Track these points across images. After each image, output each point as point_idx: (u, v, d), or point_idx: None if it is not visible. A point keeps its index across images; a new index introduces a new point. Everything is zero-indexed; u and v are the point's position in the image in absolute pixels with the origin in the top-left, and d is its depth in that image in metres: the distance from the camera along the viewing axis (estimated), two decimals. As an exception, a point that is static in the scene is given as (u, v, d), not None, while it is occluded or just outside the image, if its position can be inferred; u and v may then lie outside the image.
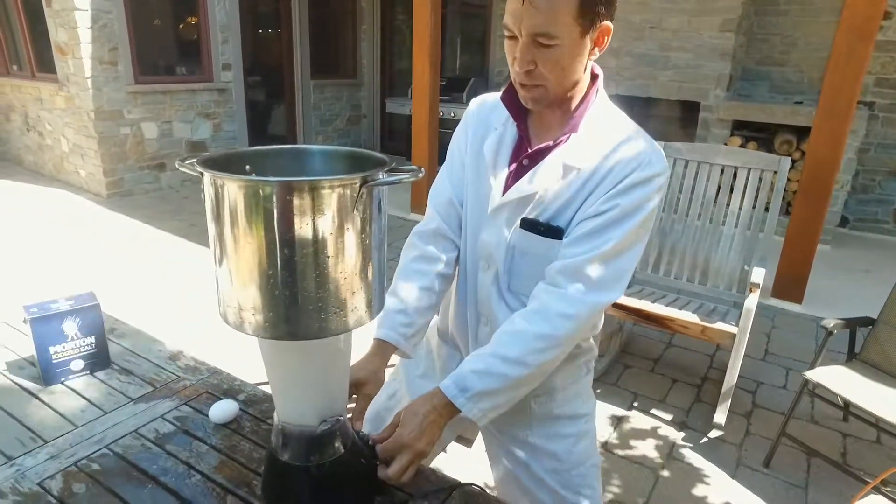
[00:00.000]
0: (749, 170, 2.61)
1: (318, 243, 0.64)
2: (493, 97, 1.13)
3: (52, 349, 1.13)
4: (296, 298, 0.66)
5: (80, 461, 0.93)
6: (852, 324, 2.17)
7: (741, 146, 4.73)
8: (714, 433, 2.36)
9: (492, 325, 1.10)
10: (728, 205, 2.66)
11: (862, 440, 2.38)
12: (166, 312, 3.20)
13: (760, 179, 2.58)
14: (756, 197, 2.59)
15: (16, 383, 1.15)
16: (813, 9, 4.79)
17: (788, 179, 4.14)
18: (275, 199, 0.62)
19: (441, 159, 5.33)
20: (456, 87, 6.35)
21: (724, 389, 2.35)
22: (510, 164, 1.06)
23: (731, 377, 2.31)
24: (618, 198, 0.94)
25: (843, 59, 3.03)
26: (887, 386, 2.04)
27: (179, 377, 1.19)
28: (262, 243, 0.63)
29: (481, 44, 6.86)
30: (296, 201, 0.62)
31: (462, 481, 0.96)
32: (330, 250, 0.65)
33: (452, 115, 6.29)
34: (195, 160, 0.66)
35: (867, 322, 2.20)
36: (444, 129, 5.51)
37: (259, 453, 0.98)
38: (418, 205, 5.15)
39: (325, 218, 0.63)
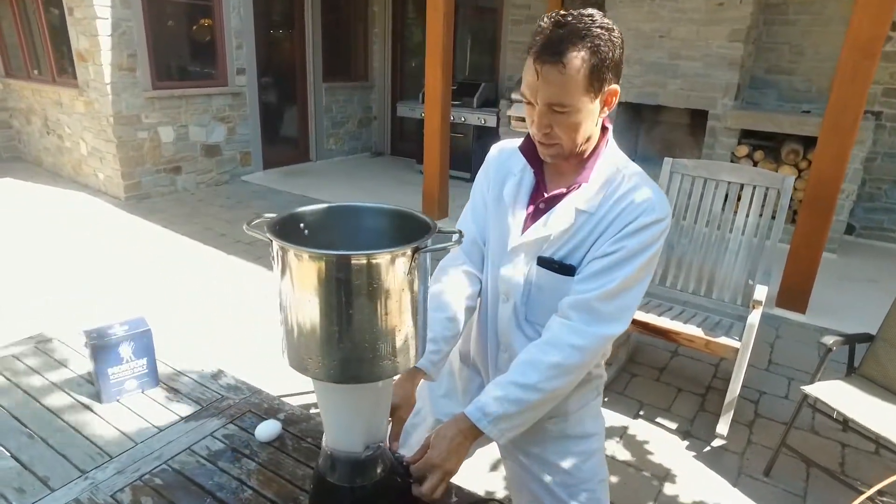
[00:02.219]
0: (754, 187, 2.69)
1: (374, 303, 0.74)
2: (511, 144, 1.24)
3: (110, 371, 1.24)
4: (354, 349, 0.76)
5: (144, 476, 1.04)
6: (851, 340, 2.25)
7: (748, 155, 4.79)
8: (717, 442, 2.46)
9: (510, 353, 1.20)
10: (734, 220, 2.74)
11: (861, 451, 2.46)
12: (189, 318, 3.32)
13: (765, 196, 2.66)
14: (761, 213, 2.67)
15: (77, 400, 1.26)
16: (822, 19, 4.83)
17: (795, 188, 4.21)
18: (336, 267, 0.72)
19: (452, 165, 5.41)
20: (466, 92, 6.44)
21: (727, 401, 2.44)
22: (528, 207, 1.17)
23: (734, 389, 2.40)
24: (625, 240, 1.04)
25: (848, 76, 3.10)
26: (885, 401, 2.13)
27: (223, 396, 1.30)
28: (326, 303, 0.74)
29: (491, 47, 6.93)
30: (355, 269, 0.72)
31: (485, 496, 1.06)
32: (385, 308, 0.75)
33: (463, 119, 6.38)
34: (265, 226, 0.77)
35: (866, 338, 2.29)
36: (454, 134, 5.61)
37: (302, 470, 1.09)
38: (430, 206, 5.25)
39: (381, 282, 0.73)
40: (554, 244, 1.11)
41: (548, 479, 1.26)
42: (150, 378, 1.30)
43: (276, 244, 0.75)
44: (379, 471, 0.93)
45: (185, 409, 1.25)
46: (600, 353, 1.09)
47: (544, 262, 1.13)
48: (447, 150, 5.21)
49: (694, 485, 2.21)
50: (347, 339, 0.75)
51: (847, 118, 3.15)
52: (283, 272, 0.76)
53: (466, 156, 6.55)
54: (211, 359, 1.45)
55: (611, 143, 1.12)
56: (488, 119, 6.37)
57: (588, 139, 1.07)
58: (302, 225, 0.85)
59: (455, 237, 0.80)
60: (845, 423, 2.53)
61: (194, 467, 1.07)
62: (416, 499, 1.00)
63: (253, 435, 1.17)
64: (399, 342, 0.79)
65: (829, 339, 2.20)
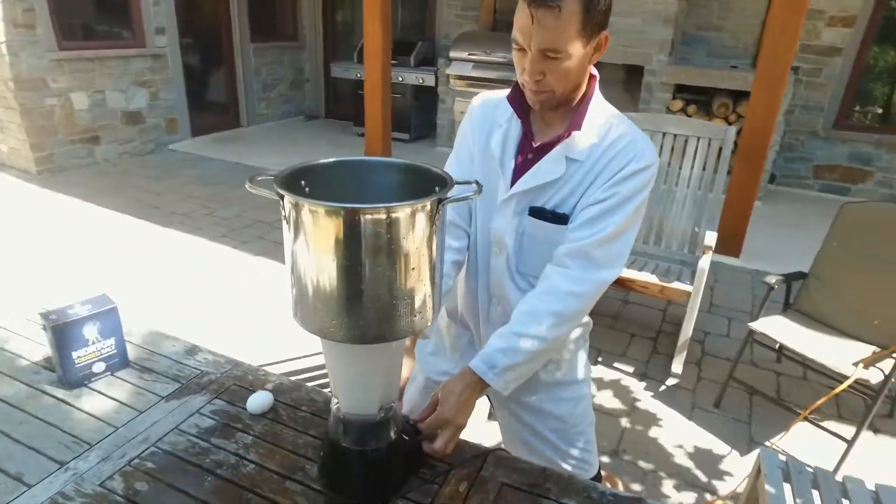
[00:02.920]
0: (698, 139, 2.81)
1: (397, 259, 0.71)
2: (494, 95, 1.21)
3: (74, 354, 1.13)
4: (377, 309, 0.73)
5: (133, 460, 0.98)
6: (788, 278, 2.43)
7: (682, 109, 4.98)
8: (671, 381, 2.62)
9: (504, 305, 1.21)
10: (679, 171, 2.85)
11: (792, 378, 2.70)
12: (141, 295, 3.11)
13: (709, 147, 2.78)
14: (704, 166, 2.79)
15: (38, 389, 1.15)
16: (746, -25, 5.02)
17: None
18: (358, 222, 0.68)
19: (395, 126, 5.30)
20: (402, 51, 6.25)
21: (680, 342, 2.60)
22: (516, 158, 1.15)
23: (687, 331, 2.55)
24: (617, 186, 1.06)
25: (777, 31, 3.25)
26: (817, 332, 2.33)
27: (203, 372, 1.23)
28: (346, 262, 0.70)
29: (424, 5, 6.74)
30: (378, 223, 0.68)
31: (491, 447, 1.07)
32: (408, 264, 0.72)
33: (401, 79, 6.21)
34: (274, 181, 0.71)
35: (800, 276, 2.48)
36: (392, 94, 5.46)
37: (303, 439, 1.05)
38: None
39: (404, 236, 0.70)
40: (545, 194, 1.11)
41: (542, 427, 1.30)
42: (119, 359, 1.21)
43: (287, 200, 0.70)
44: (392, 432, 0.92)
45: (164, 389, 1.17)
46: (597, 298, 1.11)
47: (536, 213, 1.13)
48: (389, 108, 5.08)
49: (653, 421, 2.36)
50: (370, 299, 0.72)
51: (777, 71, 3.32)
52: (296, 231, 0.72)
53: (405, 117, 6.41)
54: (179, 334, 1.36)
55: (598, 91, 1.11)
56: (427, 78, 6.24)
57: (578, 86, 1.06)
58: (303, 182, 0.80)
59: (473, 187, 0.78)
60: (780, 355, 2.76)
61: (187, 447, 1.02)
62: (425, 456, 1.00)
63: (243, 408, 1.12)
64: (419, 299, 0.76)
65: (771, 279, 2.36)
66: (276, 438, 1.05)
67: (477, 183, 0.80)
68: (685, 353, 2.61)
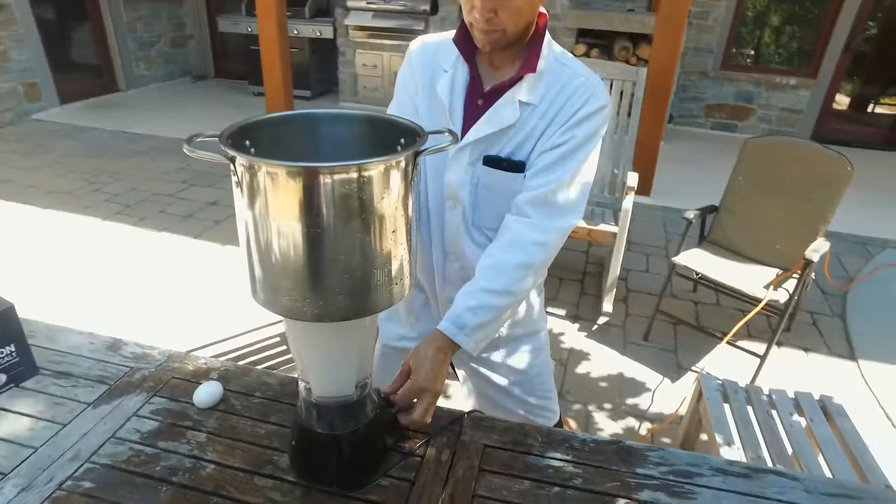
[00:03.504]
0: (612, 80, 2.85)
1: (371, 224, 0.62)
2: (435, 38, 1.12)
3: (-34, 368, 0.95)
4: (350, 281, 0.64)
5: (65, 483, 0.84)
6: (703, 212, 2.58)
7: (585, 53, 5.06)
8: (602, 319, 2.73)
9: (461, 262, 1.15)
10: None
11: (707, 305, 2.92)
12: (37, 288, 2.73)
13: (622, 89, 2.84)
14: (618, 107, 2.86)
15: (-78, 414, 0.96)
16: (639, -83, 5.09)
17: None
18: (326, 183, 0.58)
19: (294, 83, 4.95)
20: (295, 1, 5.81)
21: (608, 281, 2.70)
22: (465, 104, 1.08)
23: (615, 269, 2.65)
24: (573, 130, 1.02)
25: (677, -28, 3.33)
26: (730, 260, 2.51)
27: (132, 368, 1.08)
28: (313, 230, 0.60)
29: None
30: (347, 184, 0.59)
31: (465, 410, 1.04)
32: (382, 228, 0.64)
33: (296, 32, 5.80)
34: (220, 142, 0.59)
35: (713, 209, 2.64)
36: (290, 49, 5.08)
37: (263, 429, 0.96)
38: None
39: (379, 197, 0.61)
40: (499, 141, 1.05)
41: (505, 382, 1.28)
42: (24, 367, 1.03)
43: (240, 163, 0.58)
44: (368, 409, 0.85)
45: (89, 394, 1.02)
46: (561, 246, 1.09)
47: (491, 161, 1.07)
48: (289, 64, 4.74)
49: (590, 360, 2.46)
50: (344, 270, 0.63)
51: (677, 12, 3.43)
52: (252, 198, 0.61)
53: (305, 72, 6.03)
54: (93, 329, 1.19)
55: (547, 32, 1.05)
56: (324, 30, 5.87)
57: (529, 25, 1.00)
58: (248, 143, 0.68)
59: (448, 137, 0.70)
60: (695, 284, 2.96)
61: (130, 456, 0.89)
62: (401, 429, 0.95)
63: (189, 403, 1.00)
64: (397, 266, 0.69)
65: (689, 214, 2.49)
66: (233, 432, 0.95)
67: (450, 132, 0.72)
68: (614, 291, 2.73)
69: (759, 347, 2.39)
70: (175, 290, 2.78)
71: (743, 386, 1.67)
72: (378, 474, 0.87)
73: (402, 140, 0.71)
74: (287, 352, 2.34)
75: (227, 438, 0.94)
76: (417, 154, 0.64)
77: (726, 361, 2.46)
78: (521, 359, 1.28)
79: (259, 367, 1.22)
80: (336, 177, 0.59)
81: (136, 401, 1.00)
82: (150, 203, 3.70)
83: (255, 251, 0.64)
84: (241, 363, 1.14)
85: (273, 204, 0.60)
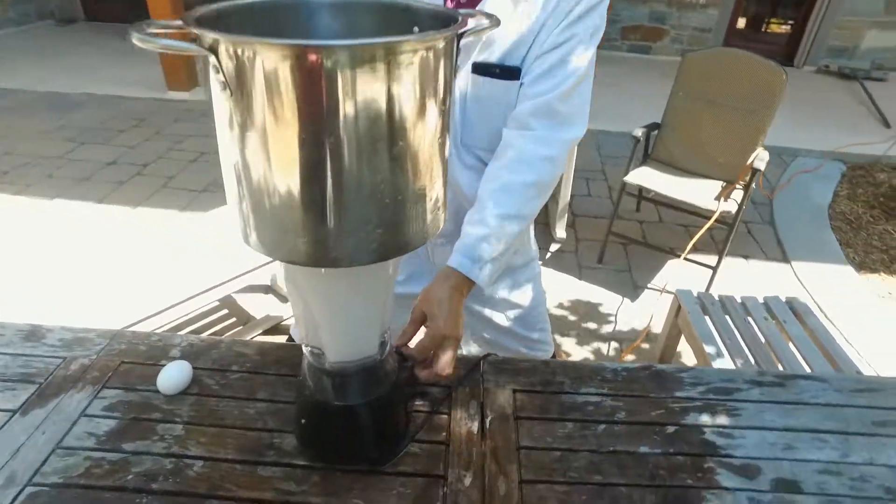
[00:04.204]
0: None
1: (410, 129, 0.46)
2: None
3: None
4: (377, 211, 0.48)
5: (5, 514, 0.64)
6: (648, 129, 2.56)
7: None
8: (555, 246, 2.70)
9: (451, 189, 1.01)
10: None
11: (651, 223, 2.97)
12: None
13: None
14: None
15: None
16: None
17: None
18: (345, 70, 0.41)
19: (187, 6, 4.34)
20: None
21: (560, 207, 2.65)
22: (445, 4, 0.91)
23: (566, 195, 2.60)
24: (573, 27, 0.89)
25: None
26: (676, 176, 2.52)
27: (65, 358, 0.86)
28: (331, 140, 0.43)
29: None
30: (373, 73, 0.42)
31: (478, 356, 0.93)
32: (423, 135, 0.48)
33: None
34: (191, 25, 0.39)
35: (655, 127, 2.62)
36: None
37: (253, 408, 0.79)
38: (176, 79, 4.27)
39: (416, 94, 0.45)
40: (489, 45, 0.90)
41: (503, 319, 1.18)
42: (-88, 374, 0.79)
43: (226, 46, 0.39)
44: (391, 369, 0.71)
45: (12, 398, 0.79)
46: (567, 162, 0.97)
47: (481, 69, 0.92)
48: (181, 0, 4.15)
49: (550, 288, 2.43)
50: (370, 197, 0.47)
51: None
52: (244, 102, 0.42)
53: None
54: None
55: None
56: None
57: None
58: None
59: (484, 20, 0.54)
60: (638, 204, 2.99)
61: (90, 467, 0.70)
62: (419, 386, 0.82)
63: (152, 391, 0.81)
64: (434, 190, 0.53)
65: (637, 132, 2.46)
66: (216, 417, 0.78)
67: (485, 13, 0.56)
68: (566, 217, 2.69)
69: (707, 259, 2.46)
70: (86, 264, 2.41)
71: (717, 297, 1.68)
72: (406, 441, 0.75)
73: (418, 27, 0.54)
74: (230, 317, 2.12)
75: (210, 427, 0.76)
76: (460, 37, 0.48)
77: (678, 275, 2.52)
78: (520, 291, 1.18)
79: (225, 335, 1.04)
80: (363, 62, 0.42)
81: (79, 398, 0.80)
82: (32, 167, 3.17)
83: (249, 177, 0.46)
84: (201, 335, 0.95)
85: (277, 107, 0.42)
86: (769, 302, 1.67)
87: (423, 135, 0.49)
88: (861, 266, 2.73)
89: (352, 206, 0.48)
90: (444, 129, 0.53)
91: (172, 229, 2.65)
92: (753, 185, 2.29)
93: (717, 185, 2.41)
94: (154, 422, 0.77)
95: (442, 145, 0.53)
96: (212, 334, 1.89)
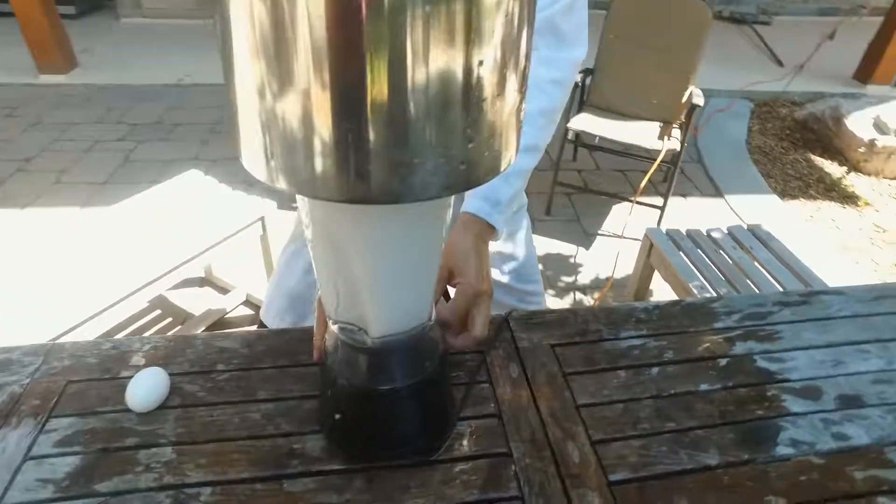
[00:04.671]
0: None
1: (481, 26, 0.33)
2: None
3: None
4: (439, 129, 0.35)
5: None
6: (584, 75, 2.52)
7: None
8: (503, 205, 2.63)
9: None
10: None
11: (589, 171, 2.98)
12: None
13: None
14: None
15: None
16: None
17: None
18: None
19: None
20: None
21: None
22: None
23: (511, 151, 2.52)
24: None
25: None
26: (615, 120, 2.51)
27: (-13, 387, 0.66)
28: (386, 42, 0.30)
29: None
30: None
31: (502, 313, 0.82)
32: (491, 40, 0.35)
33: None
34: None
35: (589, 72, 2.59)
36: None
37: (257, 411, 0.64)
38: (49, 60, 3.72)
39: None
40: None
41: (499, 275, 1.08)
42: None
43: None
44: (436, 338, 0.59)
45: (-81, 448, 0.59)
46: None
47: None
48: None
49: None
50: (431, 107, 0.34)
51: None
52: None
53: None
54: None
55: None
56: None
57: None
58: None
59: None
60: (574, 152, 2.98)
61: (54, 522, 0.52)
62: (453, 354, 0.71)
63: (120, 412, 0.63)
64: (510, 104, 0.41)
65: (577, 76, 2.41)
66: (214, 431, 0.62)
67: None
68: (511, 173, 2.62)
69: (650, 200, 2.50)
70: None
71: (685, 232, 1.68)
72: (454, 422, 0.63)
73: None
74: (165, 317, 1.87)
75: (208, 443, 0.61)
76: None
77: (626, 219, 2.54)
78: (514, 243, 1.08)
79: (196, 332, 0.85)
80: None
81: (17, 438, 0.60)
82: None
83: (264, 81, 0.32)
84: (165, 336, 0.77)
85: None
86: (733, 231, 1.69)
87: (494, 33, 0.36)
88: (783, 194, 2.89)
89: (408, 118, 0.34)
90: (525, 35, 0.40)
91: (74, 229, 2.30)
92: (693, 122, 2.33)
93: (655, 126, 2.43)
94: (131, 449, 0.60)
95: (528, 55, 0.40)
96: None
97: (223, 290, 1.97)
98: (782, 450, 0.64)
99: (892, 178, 3.28)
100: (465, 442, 0.62)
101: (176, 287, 1.81)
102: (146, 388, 0.63)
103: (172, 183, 1.84)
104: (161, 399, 0.64)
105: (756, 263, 1.55)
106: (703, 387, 0.72)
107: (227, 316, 1.88)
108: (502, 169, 0.43)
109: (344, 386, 0.54)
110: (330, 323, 0.53)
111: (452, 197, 0.45)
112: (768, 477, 0.61)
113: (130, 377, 0.65)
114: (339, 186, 0.35)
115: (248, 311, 1.92)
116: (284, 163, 0.35)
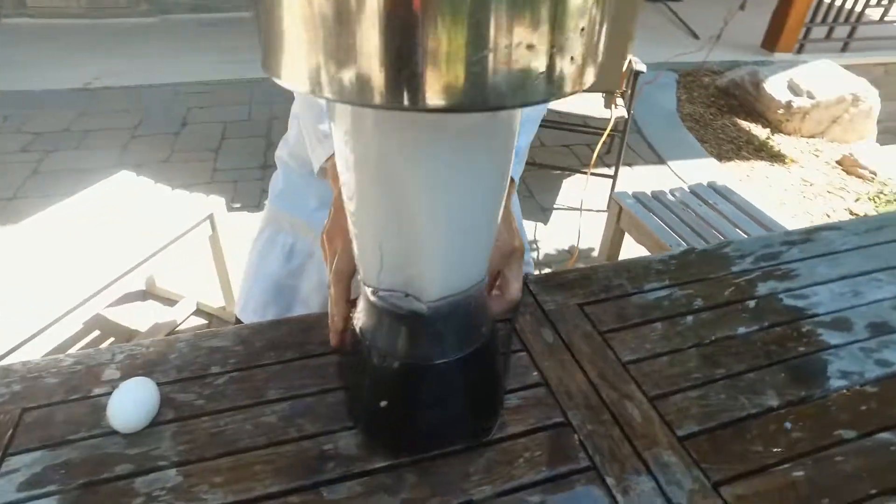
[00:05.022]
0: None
1: None
2: None
3: None
4: (508, 29, 0.28)
5: None
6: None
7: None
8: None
9: None
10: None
11: (535, 147, 2.97)
12: None
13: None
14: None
15: None
16: None
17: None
18: None
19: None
20: None
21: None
22: None
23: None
24: None
25: None
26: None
27: (-85, 428, 0.52)
28: None
29: None
30: None
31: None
32: None
33: None
34: None
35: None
36: None
37: (271, 412, 0.54)
38: None
39: None
40: None
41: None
42: None
43: None
44: (486, 300, 0.52)
45: None
46: None
47: None
48: None
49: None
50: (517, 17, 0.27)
51: None
52: None
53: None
54: None
55: None
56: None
57: None
58: None
59: None
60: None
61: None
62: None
63: (102, 435, 0.52)
64: (595, 13, 0.34)
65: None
66: (225, 442, 0.52)
67: None
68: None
69: (601, 171, 2.51)
70: None
71: (650, 194, 1.68)
72: (502, 397, 0.56)
73: None
74: (107, 337, 1.67)
75: (221, 458, 0.50)
76: None
77: (578, 191, 2.55)
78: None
79: (178, 336, 0.71)
80: None
81: (-30, 479, 0.48)
82: None
83: None
84: (156, 339, 0.65)
85: None
86: (695, 189, 1.71)
87: None
88: (720, 157, 3.01)
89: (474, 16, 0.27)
90: None
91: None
92: (638, 89, 2.36)
93: (597, 97, 2.45)
94: (124, 478, 0.48)
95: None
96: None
97: (170, 302, 1.79)
98: (835, 382, 0.62)
99: (808, 137, 3.50)
100: (517, 416, 0.55)
101: (115, 304, 1.63)
102: (132, 402, 0.51)
103: (101, 186, 1.64)
104: (151, 414, 0.53)
105: (722, 218, 1.58)
106: (741, 330, 0.69)
107: (177, 329, 1.71)
108: (577, 90, 0.35)
109: (388, 367, 0.46)
110: (368, 293, 0.45)
111: (518, 125, 0.39)
112: (829, 411, 0.59)
113: (107, 394, 0.54)
114: (424, 90, 0.27)
115: (201, 321, 1.76)
116: (348, 69, 0.26)
